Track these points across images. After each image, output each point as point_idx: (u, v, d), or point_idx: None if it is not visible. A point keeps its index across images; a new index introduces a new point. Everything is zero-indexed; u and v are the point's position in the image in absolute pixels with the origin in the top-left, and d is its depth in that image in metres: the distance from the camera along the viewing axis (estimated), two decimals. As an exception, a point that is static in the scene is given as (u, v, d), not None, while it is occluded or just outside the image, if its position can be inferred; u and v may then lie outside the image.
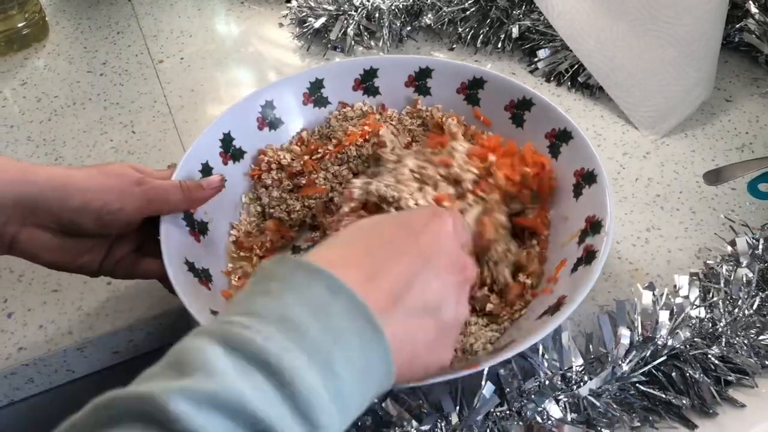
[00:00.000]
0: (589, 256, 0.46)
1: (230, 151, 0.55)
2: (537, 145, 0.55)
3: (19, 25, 0.76)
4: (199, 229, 0.51)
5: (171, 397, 0.23)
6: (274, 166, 0.56)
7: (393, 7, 0.73)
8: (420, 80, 0.60)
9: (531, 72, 0.71)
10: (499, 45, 0.73)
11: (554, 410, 0.41)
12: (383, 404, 0.42)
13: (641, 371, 0.44)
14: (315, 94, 0.59)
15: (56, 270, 0.47)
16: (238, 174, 0.56)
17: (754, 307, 0.47)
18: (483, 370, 0.41)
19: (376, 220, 0.38)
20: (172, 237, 0.47)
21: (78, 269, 0.46)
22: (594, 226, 0.48)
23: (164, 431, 0.23)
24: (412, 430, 0.41)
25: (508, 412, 0.42)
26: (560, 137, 0.54)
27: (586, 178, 0.50)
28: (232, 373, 0.25)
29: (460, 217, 0.42)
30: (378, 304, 0.30)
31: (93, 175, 0.44)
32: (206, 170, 0.53)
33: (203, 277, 0.48)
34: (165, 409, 0.23)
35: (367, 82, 0.60)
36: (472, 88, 0.59)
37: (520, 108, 0.57)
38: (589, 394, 0.42)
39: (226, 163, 0.55)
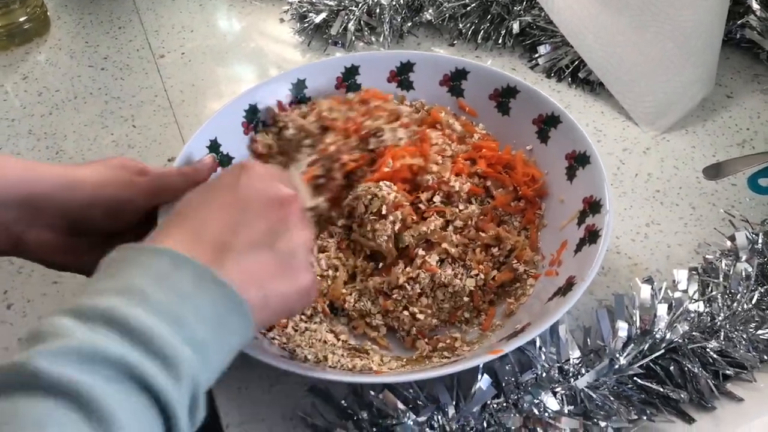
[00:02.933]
0: (592, 236, 0.46)
1: (218, 157, 0.54)
2: (526, 131, 0.55)
3: (21, 19, 0.76)
4: None
5: (31, 358, 0.26)
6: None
7: (394, 3, 0.73)
8: (402, 75, 0.60)
9: (531, 68, 0.71)
10: (500, 41, 0.73)
11: (551, 402, 0.41)
12: (380, 396, 0.42)
13: (639, 364, 0.43)
14: (298, 94, 0.59)
15: (59, 270, 0.47)
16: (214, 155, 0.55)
17: (753, 301, 0.47)
18: (479, 364, 0.41)
19: (193, 194, 0.39)
20: None
21: (80, 269, 0.47)
22: (593, 206, 0.48)
23: (31, 390, 0.25)
24: (409, 422, 0.41)
25: (505, 404, 0.42)
26: (548, 122, 0.54)
27: (579, 159, 0.51)
28: (84, 331, 0.28)
29: (260, 167, 0.42)
30: (207, 257, 0.33)
31: (97, 169, 0.44)
32: None
33: None
34: (28, 369, 0.26)
35: (349, 80, 0.60)
36: (455, 80, 0.59)
37: (505, 96, 0.57)
38: (586, 387, 0.42)
39: (215, 170, 0.54)
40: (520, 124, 0.56)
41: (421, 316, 0.48)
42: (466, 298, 0.49)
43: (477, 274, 0.50)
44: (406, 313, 0.49)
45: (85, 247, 0.45)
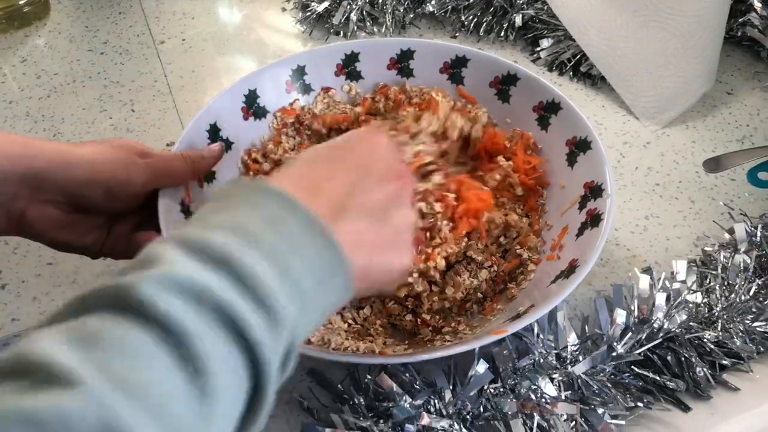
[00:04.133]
0: (594, 219, 0.46)
1: (218, 142, 0.54)
2: (526, 119, 0.55)
3: (21, 2, 0.75)
4: None
5: (137, 284, 0.25)
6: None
7: (396, -7, 0.73)
8: (402, 62, 0.60)
9: (533, 61, 0.71)
10: (502, 34, 0.73)
11: (549, 388, 0.41)
12: (376, 379, 0.42)
13: (636, 353, 0.43)
14: (298, 81, 0.59)
15: (62, 250, 0.46)
16: (228, 164, 0.55)
17: (751, 293, 0.47)
18: (475, 349, 0.41)
19: (317, 146, 0.39)
20: (171, 215, 0.47)
21: (82, 249, 0.46)
22: (594, 190, 0.48)
23: (133, 315, 0.24)
24: (406, 405, 0.40)
25: (502, 389, 0.41)
26: (548, 109, 0.54)
27: (580, 145, 0.51)
28: (196, 265, 0.27)
29: (390, 135, 0.42)
30: (324, 213, 0.32)
31: (99, 149, 0.44)
32: None
33: None
34: (132, 294, 0.25)
35: (349, 67, 0.60)
36: (456, 67, 0.59)
37: (505, 83, 0.57)
38: (583, 374, 0.42)
39: (220, 158, 0.54)
40: (521, 111, 0.56)
41: (427, 316, 0.48)
42: (479, 294, 0.49)
43: (491, 266, 0.49)
44: (409, 317, 0.48)
45: (86, 225, 0.45)
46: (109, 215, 0.46)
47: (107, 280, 0.26)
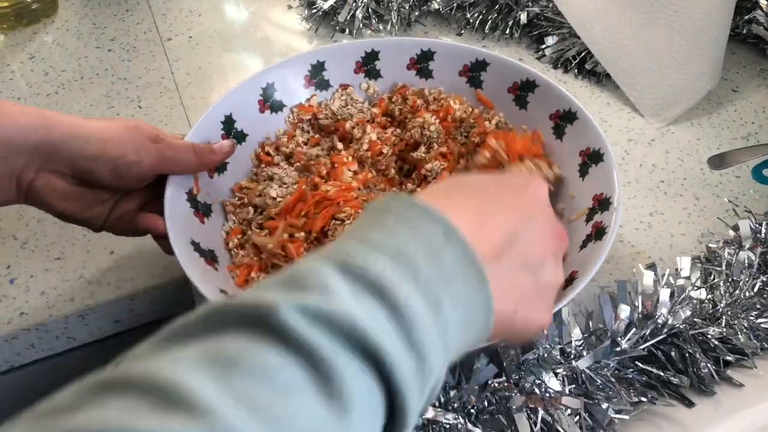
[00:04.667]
0: (599, 233, 0.46)
1: (232, 133, 0.55)
2: (541, 126, 0.55)
3: (29, -1, 0.76)
4: (203, 211, 0.51)
5: (284, 308, 0.23)
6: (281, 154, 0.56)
7: (402, -9, 0.74)
8: (422, 63, 0.60)
9: (538, 59, 0.72)
10: (507, 31, 0.73)
11: (553, 383, 0.41)
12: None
13: (640, 348, 0.44)
14: (316, 76, 0.59)
15: (65, 220, 0.47)
16: (241, 156, 0.55)
17: (755, 289, 0.47)
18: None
19: (474, 177, 0.38)
20: (176, 203, 0.47)
21: (86, 221, 0.47)
22: (602, 203, 0.48)
23: (274, 339, 0.23)
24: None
25: (506, 383, 0.42)
26: (565, 118, 0.54)
27: (593, 157, 0.50)
28: (348, 295, 0.25)
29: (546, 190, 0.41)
30: (484, 249, 0.31)
31: (112, 126, 0.44)
32: None
33: (208, 256, 0.48)
34: (278, 318, 0.23)
35: (368, 65, 0.60)
36: (475, 71, 0.59)
37: (524, 90, 0.57)
38: (587, 368, 0.42)
39: (231, 155, 0.54)
40: (537, 118, 0.55)
41: None
42: None
43: None
44: None
45: (91, 199, 0.46)
46: (115, 191, 0.47)
47: (247, 295, 0.25)
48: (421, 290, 0.27)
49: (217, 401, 0.20)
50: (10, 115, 0.42)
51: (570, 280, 0.44)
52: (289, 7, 0.79)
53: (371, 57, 0.60)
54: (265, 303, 0.23)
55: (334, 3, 0.74)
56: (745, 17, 0.69)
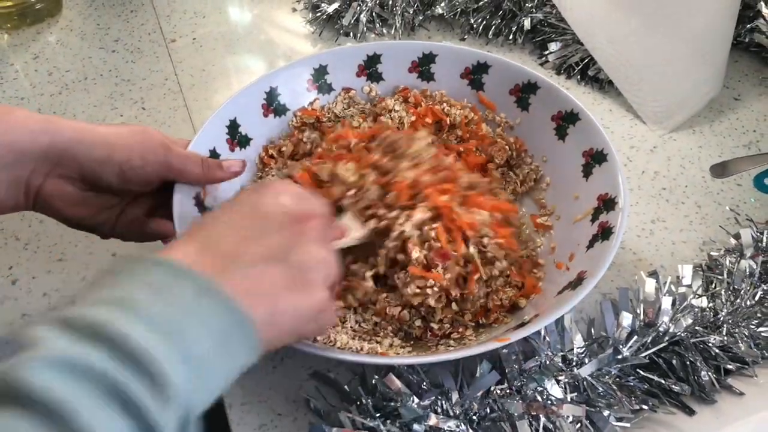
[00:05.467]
0: (605, 233, 0.46)
1: (236, 137, 0.55)
2: (544, 128, 0.55)
3: (33, -1, 0.76)
4: None
5: (12, 369, 0.24)
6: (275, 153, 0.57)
7: (406, -5, 0.74)
8: (423, 66, 0.60)
9: (541, 64, 0.72)
10: (511, 37, 0.73)
11: (555, 390, 0.41)
12: (384, 380, 0.42)
13: (642, 356, 0.44)
14: (319, 80, 0.59)
15: (73, 227, 0.47)
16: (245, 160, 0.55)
17: (756, 298, 0.47)
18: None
19: (222, 204, 0.38)
20: (185, 208, 0.47)
21: (94, 227, 0.47)
22: (607, 203, 0.48)
23: (12, 402, 0.24)
24: (413, 405, 0.41)
25: (508, 390, 0.42)
26: (567, 119, 0.54)
27: (596, 157, 0.51)
28: (67, 341, 0.26)
29: (294, 185, 0.41)
30: (213, 269, 0.31)
31: (119, 131, 0.45)
32: (214, 157, 0.52)
33: None
34: (8, 380, 0.24)
35: (370, 68, 0.60)
36: (477, 73, 0.59)
37: (526, 92, 0.57)
38: (589, 376, 0.42)
39: (233, 150, 0.55)
40: (539, 120, 0.56)
41: (435, 326, 0.48)
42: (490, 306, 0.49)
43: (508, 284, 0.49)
44: (419, 323, 0.48)
45: (99, 204, 0.46)
46: (123, 197, 0.47)
47: None
48: (147, 324, 0.27)
49: None
50: (19, 120, 0.42)
51: (579, 280, 0.44)
52: (294, 10, 0.79)
53: (373, 60, 0.60)
54: (4, 371, 0.25)
55: (339, 6, 0.74)
56: (748, 26, 0.70)
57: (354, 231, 0.46)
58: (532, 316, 0.44)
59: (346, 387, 0.43)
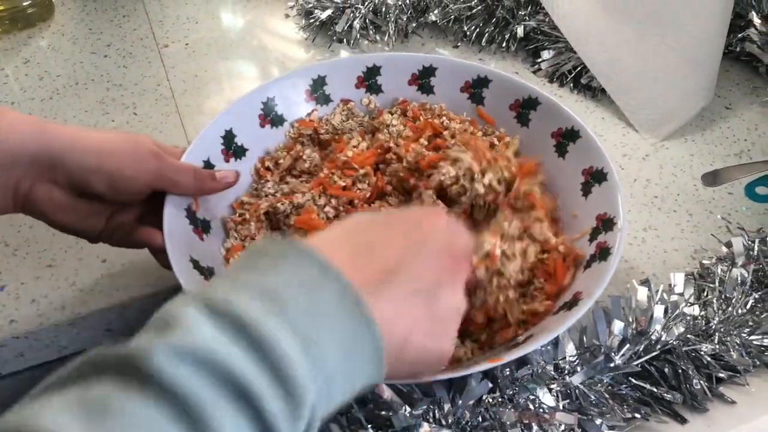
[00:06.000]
0: (603, 253, 0.46)
1: (232, 148, 0.54)
2: (543, 144, 0.55)
3: (25, 3, 0.76)
4: (202, 228, 0.50)
5: (151, 351, 0.24)
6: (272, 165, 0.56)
7: (400, 3, 0.74)
8: (423, 79, 0.60)
9: (534, 72, 0.72)
10: (504, 44, 0.74)
11: (547, 398, 0.41)
12: (375, 389, 0.42)
13: (634, 364, 0.44)
14: (317, 91, 0.59)
15: (61, 231, 0.46)
16: (241, 171, 0.54)
17: (748, 306, 0.48)
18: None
19: (367, 215, 0.37)
20: (175, 221, 0.47)
21: (81, 232, 0.46)
22: (606, 223, 0.48)
23: (145, 384, 0.23)
24: (405, 414, 0.41)
25: (500, 399, 0.42)
26: (567, 136, 0.53)
27: (596, 176, 0.50)
28: (211, 332, 0.25)
29: (454, 219, 0.40)
30: (365, 281, 0.30)
31: (111, 139, 0.44)
32: (208, 167, 0.52)
33: (207, 274, 0.47)
34: (146, 362, 0.23)
35: (370, 80, 0.60)
36: (477, 87, 0.59)
37: (526, 107, 0.57)
38: (581, 384, 0.42)
39: (228, 161, 0.54)
40: (539, 136, 0.55)
41: None
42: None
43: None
44: None
45: (88, 210, 0.45)
46: (111, 204, 0.46)
47: (117, 345, 0.25)
48: (290, 324, 0.27)
49: None
50: (12, 123, 0.41)
51: (575, 301, 0.44)
52: (287, 16, 0.79)
53: (373, 72, 0.60)
54: (130, 349, 0.24)
55: (332, 13, 0.74)
56: (739, 35, 0.70)
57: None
58: (527, 335, 0.44)
59: None
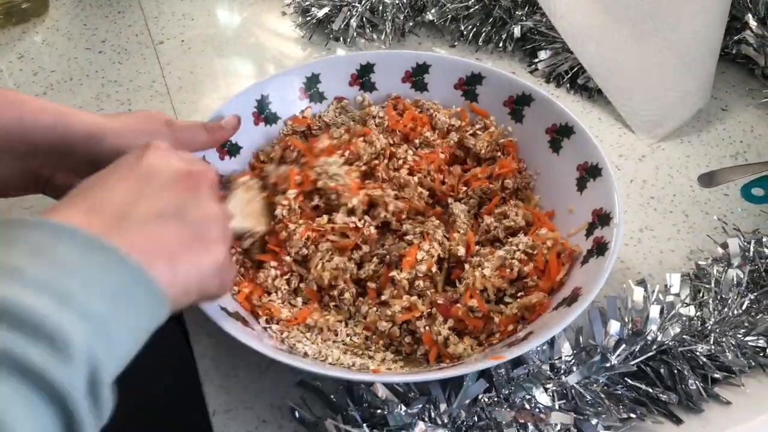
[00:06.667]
0: (600, 248, 0.46)
1: (226, 145, 0.54)
2: (538, 140, 0.55)
3: (20, -2, 0.75)
4: None
5: None
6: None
7: (397, 1, 0.74)
8: (417, 76, 0.60)
9: (531, 72, 0.72)
10: (501, 44, 0.73)
11: (542, 398, 0.41)
12: (370, 388, 0.42)
13: (630, 364, 0.44)
14: (311, 89, 0.59)
15: None
16: (234, 169, 0.55)
17: (743, 307, 0.48)
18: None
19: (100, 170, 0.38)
20: None
21: None
22: (602, 218, 0.48)
23: None
24: (401, 413, 0.40)
25: (496, 398, 0.41)
26: (561, 132, 0.54)
27: (591, 171, 0.51)
28: None
29: (168, 146, 0.40)
30: (104, 228, 0.30)
31: (126, 121, 0.45)
32: None
33: None
34: None
35: (363, 78, 0.60)
36: (470, 84, 0.59)
37: (519, 104, 0.57)
38: (577, 384, 0.42)
39: (222, 158, 0.54)
40: (533, 132, 0.55)
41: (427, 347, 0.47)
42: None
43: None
44: (408, 339, 0.47)
45: None
46: None
47: None
48: (33, 287, 0.26)
49: None
50: (33, 112, 0.42)
51: (575, 297, 0.44)
52: (283, 13, 0.79)
53: (366, 69, 0.60)
54: None
55: (329, 11, 0.74)
56: (735, 37, 0.70)
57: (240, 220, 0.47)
58: (526, 333, 0.44)
59: (332, 396, 0.43)
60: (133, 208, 0.32)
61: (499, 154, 0.56)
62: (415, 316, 0.46)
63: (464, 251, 0.49)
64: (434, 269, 0.48)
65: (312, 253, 0.49)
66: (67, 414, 0.25)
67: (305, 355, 0.44)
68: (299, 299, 0.49)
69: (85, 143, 0.43)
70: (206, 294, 0.37)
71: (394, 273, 0.48)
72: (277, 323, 0.47)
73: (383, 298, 0.48)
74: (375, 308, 0.48)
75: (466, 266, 0.49)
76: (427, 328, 0.46)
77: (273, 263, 0.49)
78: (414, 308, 0.47)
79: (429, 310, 0.47)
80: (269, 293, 0.49)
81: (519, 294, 0.47)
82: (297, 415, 0.43)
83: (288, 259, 0.49)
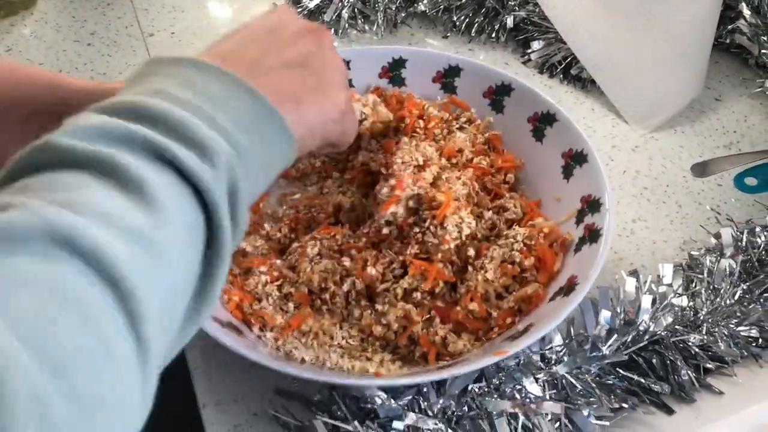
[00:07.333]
0: (593, 235, 0.46)
1: None
2: (520, 129, 0.55)
3: (7, -9, 0.74)
4: None
5: (52, 139, 0.26)
6: None
7: (388, -8, 0.73)
8: (394, 71, 0.59)
9: (524, 63, 0.71)
10: (494, 35, 0.73)
11: (533, 388, 0.41)
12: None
13: (622, 354, 0.43)
14: None
15: None
16: None
17: (736, 297, 0.47)
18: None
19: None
20: None
21: None
22: (592, 204, 0.48)
23: (58, 165, 0.26)
24: (392, 404, 0.40)
25: (486, 388, 0.41)
26: (543, 120, 0.53)
27: (576, 158, 0.50)
28: (109, 118, 0.28)
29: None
30: (239, 71, 0.33)
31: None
32: None
33: None
34: (50, 147, 0.26)
35: None
36: (448, 77, 0.58)
37: (499, 94, 0.56)
38: (568, 374, 0.42)
39: None
40: (515, 122, 0.55)
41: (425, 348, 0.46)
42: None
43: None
44: (405, 342, 0.46)
45: None
46: None
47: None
48: (185, 108, 0.29)
49: (27, 200, 0.23)
50: (29, 75, 0.43)
51: (571, 286, 0.43)
52: (274, 5, 0.78)
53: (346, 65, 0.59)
54: (37, 143, 0.27)
55: (320, 2, 0.73)
56: (729, 27, 0.70)
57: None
58: (526, 325, 0.43)
59: (316, 398, 0.42)
60: (263, 58, 0.35)
61: (486, 147, 0.56)
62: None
63: (474, 252, 0.48)
64: (438, 289, 0.47)
65: (300, 257, 0.49)
66: (209, 215, 0.28)
67: (302, 361, 0.44)
68: (290, 304, 0.48)
69: (85, 102, 0.43)
70: (329, 140, 0.39)
71: (397, 285, 0.47)
72: (271, 330, 0.46)
73: (378, 308, 0.47)
74: (369, 311, 0.47)
75: (470, 268, 0.48)
76: (424, 330, 0.45)
77: (262, 269, 0.48)
78: (410, 319, 0.45)
79: (426, 316, 0.46)
80: (260, 300, 0.48)
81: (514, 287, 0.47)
82: (281, 422, 0.42)
83: (279, 263, 0.48)
